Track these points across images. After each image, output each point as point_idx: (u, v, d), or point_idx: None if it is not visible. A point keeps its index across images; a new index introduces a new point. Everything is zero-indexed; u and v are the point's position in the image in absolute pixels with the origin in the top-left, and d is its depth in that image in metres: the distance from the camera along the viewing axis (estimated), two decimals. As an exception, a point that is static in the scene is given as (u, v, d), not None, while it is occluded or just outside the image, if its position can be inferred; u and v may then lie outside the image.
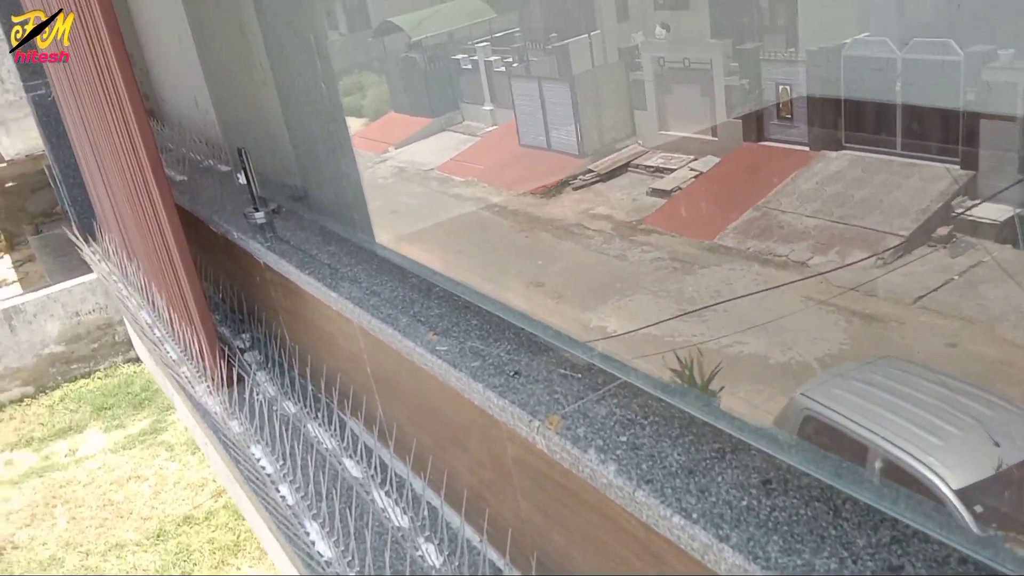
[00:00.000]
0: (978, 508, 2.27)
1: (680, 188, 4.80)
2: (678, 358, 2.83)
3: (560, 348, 1.74)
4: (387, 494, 2.20)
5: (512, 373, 1.71)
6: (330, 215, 2.99)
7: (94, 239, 5.41)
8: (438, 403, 2.03)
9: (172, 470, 7.20)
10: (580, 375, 1.65)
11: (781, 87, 4.26)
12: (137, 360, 8.78)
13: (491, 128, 6.70)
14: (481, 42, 6.53)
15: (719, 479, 1.31)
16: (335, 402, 2.56)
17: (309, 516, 2.25)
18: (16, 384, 8.83)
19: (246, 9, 3.15)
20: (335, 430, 2.51)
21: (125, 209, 3.76)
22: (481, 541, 1.98)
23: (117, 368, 9.14)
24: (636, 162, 5.23)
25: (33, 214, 12.51)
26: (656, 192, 4.91)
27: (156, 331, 3.73)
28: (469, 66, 6.62)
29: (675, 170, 4.89)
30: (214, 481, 6.63)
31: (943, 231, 3.37)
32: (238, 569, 5.80)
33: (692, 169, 4.89)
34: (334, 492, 2.24)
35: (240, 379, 3.00)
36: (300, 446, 2.48)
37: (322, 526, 2.21)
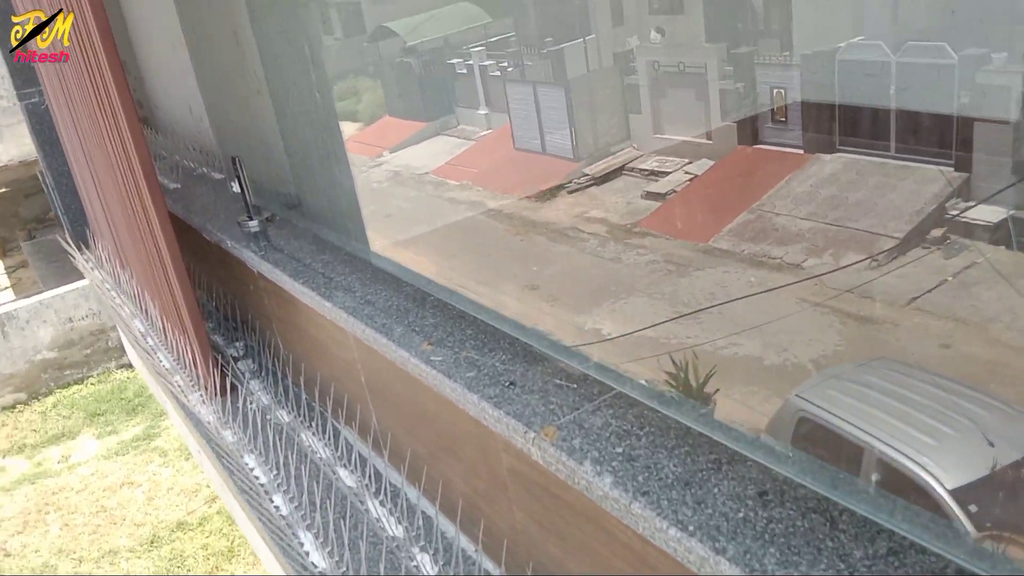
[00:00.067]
0: (973, 508, 2.27)
1: (675, 191, 4.80)
2: (673, 361, 2.82)
3: (555, 358, 1.73)
4: (381, 504, 2.19)
5: (507, 383, 1.70)
6: (324, 223, 2.99)
7: (87, 247, 5.39)
8: (433, 412, 2.02)
9: (165, 476, 7.18)
10: (576, 385, 1.65)
11: (775, 91, 4.26)
12: (130, 366, 8.76)
13: (486, 132, 6.70)
14: (476, 47, 6.54)
15: (715, 490, 1.30)
16: (329, 411, 2.55)
17: (303, 526, 2.23)
18: (8, 390, 8.80)
19: (240, 17, 3.14)
20: (329, 439, 2.50)
21: (118, 217, 3.75)
22: (476, 551, 1.97)
23: (110, 374, 9.11)
24: (631, 165, 5.23)
25: (26, 220, 12.47)
26: (651, 195, 4.91)
27: (149, 340, 3.72)
28: (464, 71, 6.62)
29: (670, 173, 4.89)
30: (208, 486, 6.61)
31: (937, 233, 3.38)
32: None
33: (687, 172, 4.89)
34: (328, 502, 2.22)
35: (234, 388, 2.99)
36: (294, 455, 2.46)
37: (316, 536, 2.20)
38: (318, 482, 2.37)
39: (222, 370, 3.02)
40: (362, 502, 2.26)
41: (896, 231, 3.55)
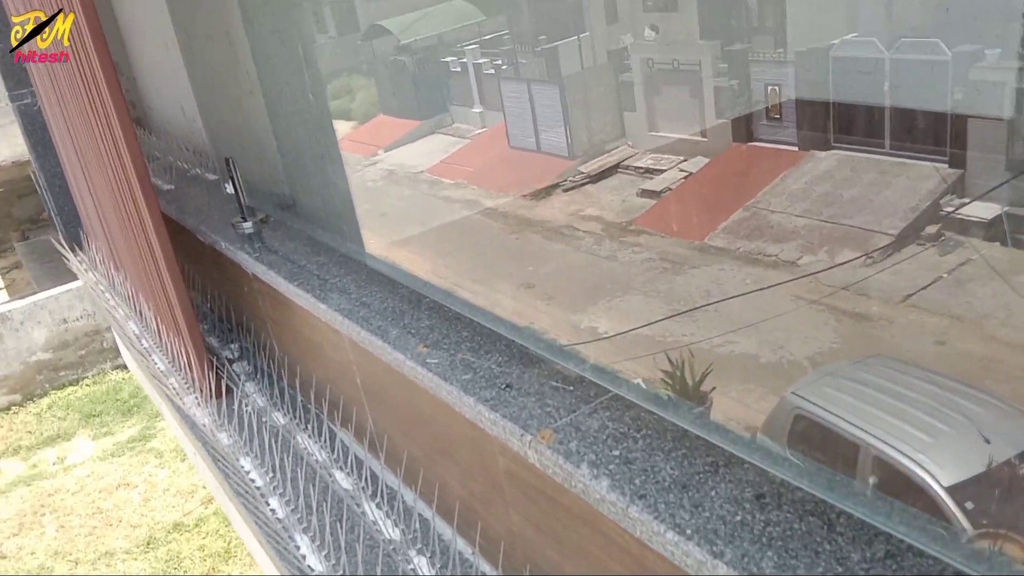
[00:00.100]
0: (969, 505, 2.28)
1: (670, 189, 4.80)
2: (669, 359, 2.82)
3: (552, 360, 1.73)
4: (378, 506, 2.18)
5: (504, 386, 1.70)
6: (319, 224, 2.98)
7: (81, 248, 5.37)
8: (429, 415, 2.02)
9: (162, 477, 7.16)
10: (572, 387, 1.64)
11: (770, 88, 4.27)
12: (126, 367, 8.73)
13: (481, 130, 6.70)
14: (470, 45, 6.53)
15: (712, 494, 1.30)
16: (325, 413, 2.55)
17: (299, 530, 2.23)
18: (3, 392, 8.76)
19: (233, 18, 3.12)
20: (325, 441, 2.49)
21: (111, 218, 3.73)
22: (473, 554, 1.97)
23: (105, 375, 9.08)
24: (626, 163, 5.24)
25: (20, 220, 12.41)
26: (646, 193, 4.91)
27: (144, 342, 3.70)
28: (458, 69, 6.62)
29: (665, 171, 4.90)
30: (204, 487, 6.60)
31: (932, 229, 3.39)
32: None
33: (682, 170, 4.90)
34: (324, 505, 2.22)
35: (229, 390, 2.98)
36: (290, 458, 2.46)
37: (312, 540, 2.20)
38: (314, 485, 2.36)
39: (217, 372, 3.01)
40: (358, 505, 2.25)
41: (891, 228, 3.56)
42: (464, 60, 6.50)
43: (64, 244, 5.43)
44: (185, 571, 6.02)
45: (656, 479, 1.36)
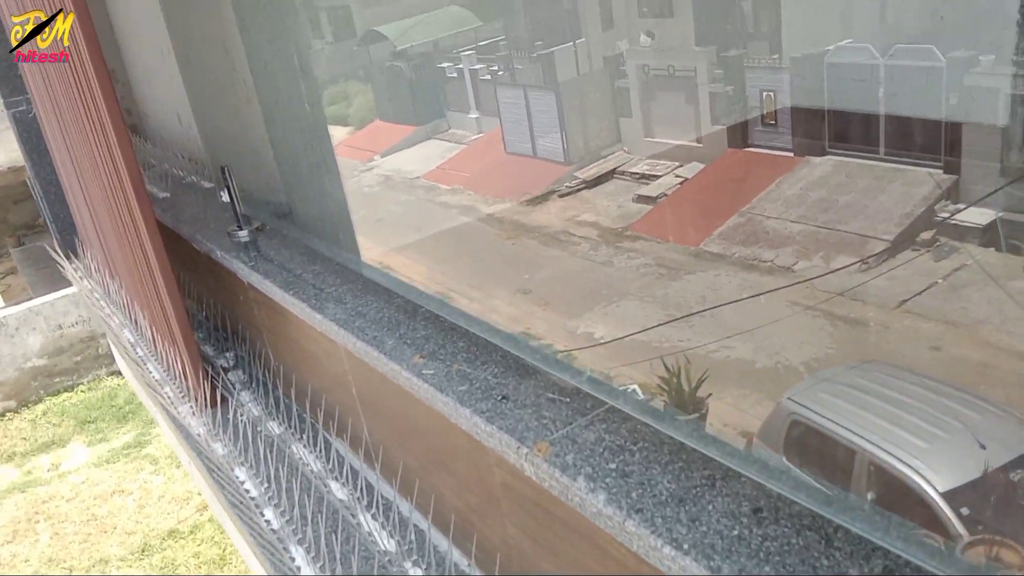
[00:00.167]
0: (964, 510, 2.28)
1: (665, 195, 4.81)
2: (665, 365, 2.81)
3: (548, 372, 1.72)
4: (373, 517, 2.17)
5: (500, 397, 1.69)
6: (315, 233, 2.97)
7: (76, 255, 5.36)
8: (425, 425, 2.01)
9: (157, 484, 7.13)
10: (568, 399, 1.63)
11: (765, 93, 4.28)
12: (121, 373, 8.70)
13: (477, 136, 6.71)
14: (466, 50, 6.54)
15: (710, 507, 1.29)
16: (320, 423, 2.53)
17: (294, 541, 2.22)
18: (-2, 398, 8.73)
19: (229, 26, 3.12)
20: (320, 452, 2.48)
21: (106, 226, 3.71)
22: (469, 566, 1.96)
23: (101, 381, 9.05)
24: (622, 169, 5.25)
25: (15, 226, 12.37)
26: (642, 199, 4.92)
27: (139, 350, 3.69)
28: (454, 74, 6.63)
29: (660, 177, 4.91)
30: (199, 494, 6.58)
31: (927, 235, 3.39)
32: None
33: (677, 175, 4.90)
34: (320, 516, 2.21)
35: (224, 399, 2.97)
36: (285, 468, 2.45)
37: (308, 551, 2.18)
38: (309, 495, 2.35)
39: (212, 381, 2.99)
40: (354, 516, 2.24)
41: (886, 233, 3.56)
42: (460, 66, 6.50)
43: (59, 251, 5.40)
44: (180, 578, 6.00)
45: (653, 492, 1.35)
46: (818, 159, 4.10)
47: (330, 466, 2.41)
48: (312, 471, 2.48)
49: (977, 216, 3.32)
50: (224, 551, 6.07)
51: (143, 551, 6.37)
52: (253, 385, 3.06)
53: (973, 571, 1.10)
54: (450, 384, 1.77)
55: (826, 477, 2.66)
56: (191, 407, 3.01)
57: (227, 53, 3.25)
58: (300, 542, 2.21)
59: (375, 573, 2.03)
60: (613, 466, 1.43)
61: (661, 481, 1.38)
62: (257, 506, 2.41)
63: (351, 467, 2.35)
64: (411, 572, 1.99)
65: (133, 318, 3.86)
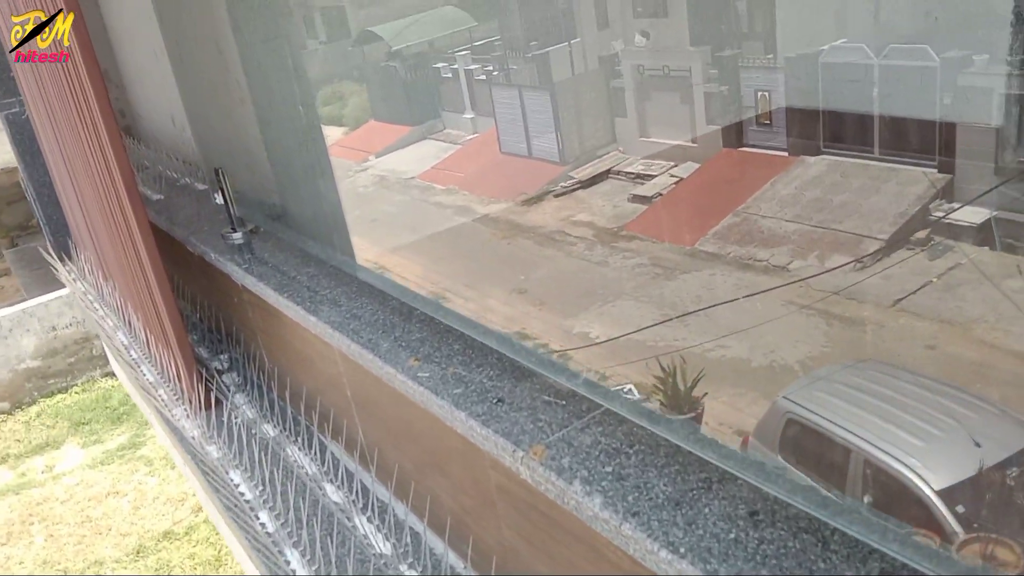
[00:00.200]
0: (960, 509, 2.28)
1: (661, 194, 4.80)
2: (661, 365, 2.80)
3: (544, 374, 1.72)
4: (369, 520, 2.17)
5: (495, 400, 1.68)
6: (309, 235, 2.96)
7: (70, 257, 5.33)
8: (420, 428, 2.00)
9: (151, 485, 7.11)
10: (564, 402, 1.63)
11: (760, 93, 4.28)
12: (115, 374, 8.68)
13: (472, 136, 6.70)
14: (461, 51, 6.53)
15: (706, 511, 1.29)
16: (315, 425, 2.53)
17: (289, 543, 2.21)
18: (-9, 400, 8.70)
19: (223, 26, 3.10)
20: (315, 454, 2.47)
21: (100, 228, 3.70)
22: (465, 568, 1.95)
23: (95, 382, 9.01)
24: (617, 169, 5.24)
25: (8, 227, 12.33)
26: (637, 198, 4.91)
27: (133, 352, 3.68)
28: (449, 75, 6.62)
29: (656, 176, 4.91)
30: (194, 495, 6.56)
31: (921, 234, 3.39)
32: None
33: (672, 175, 4.90)
34: (315, 519, 2.20)
35: (218, 402, 2.96)
36: (280, 471, 2.44)
37: (303, 554, 2.18)
38: (304, 498, 2.34)
39: (206, 384, 2.98)
40: (349, 518, 2.23)
41: (880, 233, 3.57)
42: (455, 66, 6.49)
43: (52, 253, 5.38)
44: (175, 580, 5.98)
45: (649, 496, 1.35)
46: (813, 159, 4.11)
47: (325, 469, 2.40)
48: (307, 474, 2.47)
49: (971, 215, 3.32)
50: (220, 552, 6.06)
51: (138, 552, 6.35)
52: (247, 387, 3.05)
53: (970, 572, 1.10)
54: (445, 387, 1.77)
55: (822, 475, 2.67)
56: (185, 410, 2.99)
57: (221, 54, 3.24)
58: (295, 545, 2.20)
59: None
60: (609, 469, 1.42)
61: (657, 484, 1.37)
62: (252, 509, 2.40)
63: (346, 470, 2.34)
64: (407, 575, 1.98)
65: (127, 320, 3.85)
